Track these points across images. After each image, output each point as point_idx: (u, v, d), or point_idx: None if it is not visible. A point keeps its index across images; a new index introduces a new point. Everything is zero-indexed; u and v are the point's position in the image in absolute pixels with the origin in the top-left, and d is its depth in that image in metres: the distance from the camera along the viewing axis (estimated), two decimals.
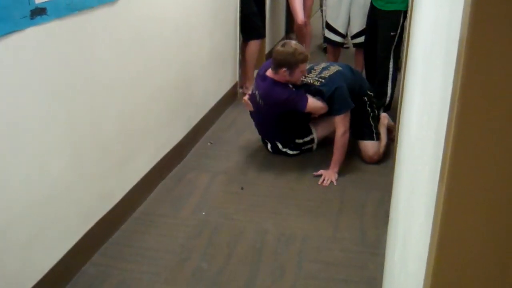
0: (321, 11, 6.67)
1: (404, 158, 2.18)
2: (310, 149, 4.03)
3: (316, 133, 4.00)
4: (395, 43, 4.55)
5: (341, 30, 5.21)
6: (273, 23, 6.46)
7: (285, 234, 3.07)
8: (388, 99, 4.74)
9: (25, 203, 2.28)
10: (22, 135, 2.21)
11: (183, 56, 3.84)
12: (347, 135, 3.73)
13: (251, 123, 4.53)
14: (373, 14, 4.73)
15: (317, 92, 3.74)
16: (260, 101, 3.83)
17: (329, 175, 3.67)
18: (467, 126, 0.74)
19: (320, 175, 3.69)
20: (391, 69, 4.65)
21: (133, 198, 3.21)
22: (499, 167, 0.75)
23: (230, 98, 5.03)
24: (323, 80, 3.78)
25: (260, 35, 5.28)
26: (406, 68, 3.37)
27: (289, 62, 3.61)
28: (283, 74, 3.67)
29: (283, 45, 3.70)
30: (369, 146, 3.90)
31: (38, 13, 2.18)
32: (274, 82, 3.73)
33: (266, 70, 3.82)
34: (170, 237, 3.02)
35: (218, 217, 3.22)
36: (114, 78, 2.86)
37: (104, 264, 2.78)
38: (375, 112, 3.98)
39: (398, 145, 3.28)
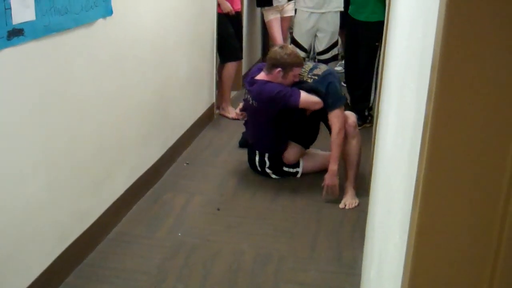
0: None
1: (380, 178, 2.20)
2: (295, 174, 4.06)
3: (303, 167, 4.02)
4: (378, 52, 4.76)
5: (305, 45, 5.33)
6: (250, 45, 6.51)
7: (261, 254, 3.07)
8: (370, 105, 5.04)
9: None
10: None
11: (160, 77, 3.85)
12: (343, 132, 3.68)
13: (228, 143, 4.54)
14: (354, 26, 4.92)
15: (311, 90, 3.74)
16: (254, 102, 3.81)
17: (329, 179, 3.67)
18: (439, 148, 0.76)
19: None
20: (374, 77, 4.90)
21: (109, 218, 3.19)
22: (471, 187, 0.77)
23: (207, 119, 5.04)
24: (316, 77, 3.79)
25: (237, 57, 5.32)
26: (382, 89, 3.42)
27: (285, 63, 3.66)
28: (277, 75, 3.70)
29: (281, 47, 3.76)
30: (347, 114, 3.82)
31: (15, 34, 2.18)
32: (266, 81, 3.76)
33: (253, 76, 3.85)
34: (146, 258, 3.00)
35: (194, 238, 3.21)
36: (90, 99, 2.86)
37: (79, 285, 2.75)
38: None
39: (373, 165, 3.32)
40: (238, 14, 5.36)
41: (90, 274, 2.84)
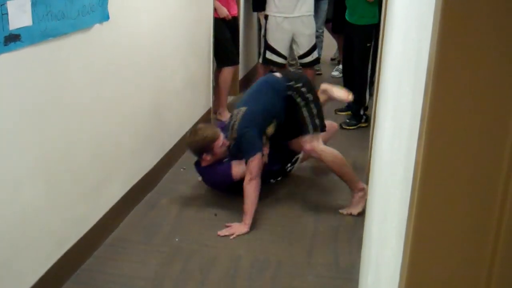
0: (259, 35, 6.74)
1: (377, 182, 2.20)
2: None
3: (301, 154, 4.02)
4: (371, 53, 4.92)
5: (284, 52, 5.37)
6: (247, 50, 6.51)
7: (258, 260, 3.06)
8: (365, 105, 5.13)
9: None
10: None
11: (156, 82, 3.85)
12: (254, 182, 3.44)
13: None
14: (348, 28, 5.13)
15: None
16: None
17: (236, 228, 3.36)
18: (435, 152, 0.76)
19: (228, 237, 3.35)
20: (368, 78, 5.03)
21: (106, 224, 3.18)
22: (466, 191, 0.77)
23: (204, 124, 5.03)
24: (235, 135, 3.61)
25: (234, 61, 5.33)
26: (379, 92, 3.42)
27: (203, 146, 3.62)
28: (207, 159, 3.67)
29: (190, 134, 3.73)
30: (304, 140, 3.68)
31: (12, 40, 2.18)
32: (206, 169, 3.74)
33: (199, 161, 3.79)
34: (143, 264, 2.99)
35: (191, 244, 3.20)
36: (87, 104, 2.86)
37: None
38: (307, 99, 3.70)
39: (371, 169, 3.32)
40: (235, 19, 5.37)
41: (88, 280, 2.83)
